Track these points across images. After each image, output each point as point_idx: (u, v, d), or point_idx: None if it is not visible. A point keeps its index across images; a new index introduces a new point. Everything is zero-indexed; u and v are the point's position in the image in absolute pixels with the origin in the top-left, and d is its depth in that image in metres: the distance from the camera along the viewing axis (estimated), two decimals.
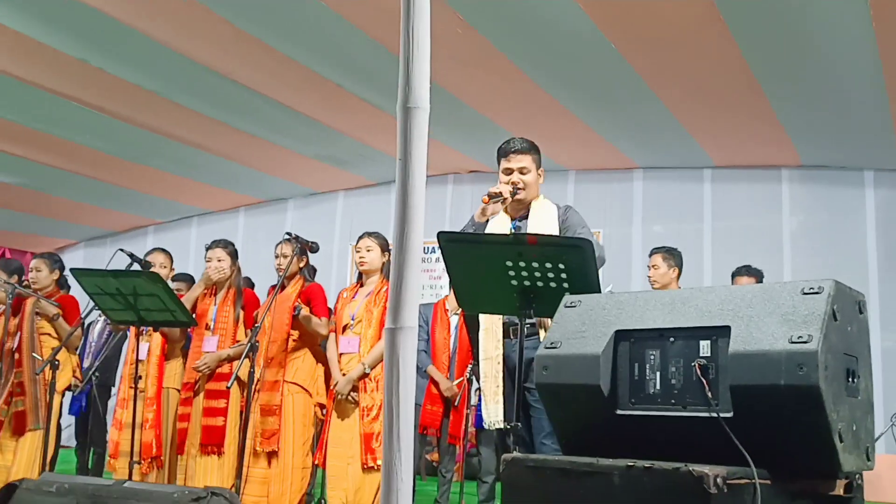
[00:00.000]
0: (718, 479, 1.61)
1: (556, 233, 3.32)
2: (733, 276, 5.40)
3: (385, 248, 4.38)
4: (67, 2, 5.03)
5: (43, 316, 4.92)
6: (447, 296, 5.57)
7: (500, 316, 3.25)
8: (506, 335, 3.29)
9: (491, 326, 3.29)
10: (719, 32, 5.08)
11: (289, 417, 4.36)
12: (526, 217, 3.42)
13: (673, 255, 5.26)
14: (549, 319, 3.09)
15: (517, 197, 3.37)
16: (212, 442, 4.30)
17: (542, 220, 3.36)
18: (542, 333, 3.20)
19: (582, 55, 5.61)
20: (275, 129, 7.38)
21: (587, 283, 2.43)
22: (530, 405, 3.20)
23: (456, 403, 5.05)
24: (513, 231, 3.36)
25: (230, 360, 4.46)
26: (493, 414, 3.24)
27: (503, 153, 3.48)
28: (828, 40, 5.15)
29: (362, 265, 4.39)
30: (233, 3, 5.11)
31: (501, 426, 3.22)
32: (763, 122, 6.56)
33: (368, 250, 4.39)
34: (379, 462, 4.02)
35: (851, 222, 7.34)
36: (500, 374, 3.24)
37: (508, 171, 3.43)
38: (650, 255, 5.35)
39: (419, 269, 1.66)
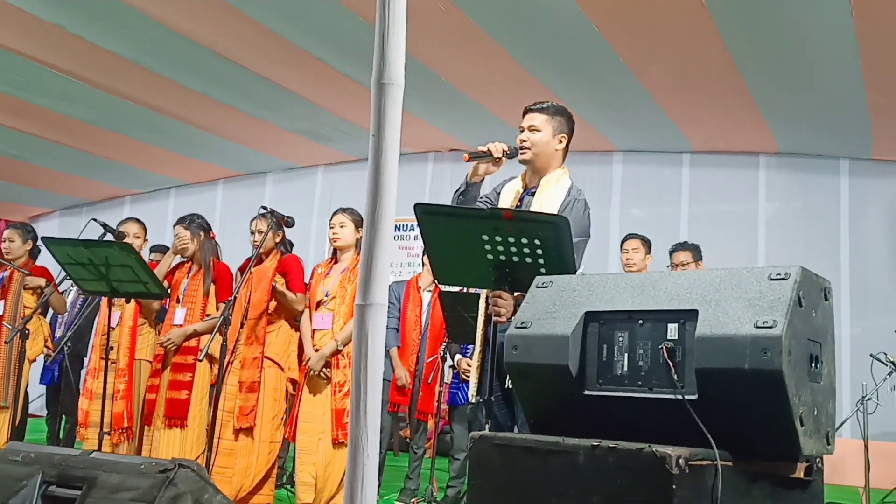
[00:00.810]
0: (681, 460, 1.64)
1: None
2: (671, 252, 5.38)
3: (359, 224, 4.35)
4: None
5: (31, 289, 4.93)
6: (420, 273, 5.56)
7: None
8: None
9: (482, 301, 3.07)
10: (702, 18, 5.09)
11: (260, 391, 4.36)
12: (533, 192, 3.11)
13: (648, 243, 5.33)
14: None
15: (522, 157, 3.08)
16: (175, 415, 4.30)
17: (546, 200, 3.04)
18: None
19: (565, 36, 5.59)
20: (255, 103, 7.31)
21: (563, 260, 2.40)
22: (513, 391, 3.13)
23: (430, 380, 5.07)
24: (517, 206, 3.11)
25: (197, 335, 4.45)
26: (472, 388, 3.12)
27: (523, 114, 3.19)
28: (808, 29, 5.18)
29: (335, 241, 4.37)
30: None
31: (475, 402, 3.11)
32: (742, 109, 6.59)
33: (342, 226, 4.37)
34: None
35: (825, 210, 7.43)
36: (479, 349, 3.12)
37: (521, 131, 3.14)
38: (628, 239, 5.36)
39: (390, 245, 1.66)
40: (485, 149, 2.99)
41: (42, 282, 4.96)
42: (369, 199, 1.66)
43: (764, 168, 7.70)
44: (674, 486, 1.62)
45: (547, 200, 3.03)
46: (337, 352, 4.17)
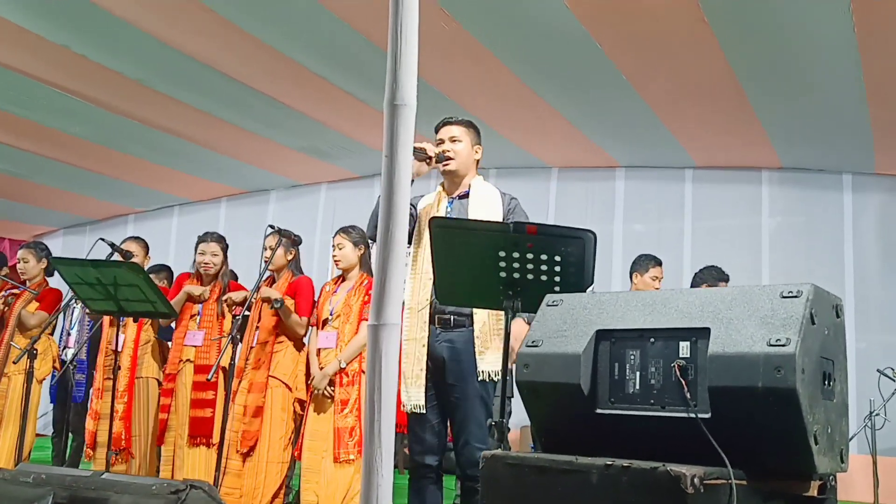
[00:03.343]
0: (695, 479, 1.63)
1: (500, 217, 3.25)
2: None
3: (358, 242, 4.37)
4: None
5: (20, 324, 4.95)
6: None
7: (428, 301, 3.18)
8: (431, 321, 3.22)
9: (416, 307, 3.23)
10: (703, 33, 5.11)
11: (267, 411, 4.35)
12: (466, 196, 3.33)
13: None
14: (485, 312, 3.12)
15: (448, 167, 3.31)
16: (201, 433, 4.30)
17: (485, 201, 3.27)
18: (475, 327, 3.15)
19: (568, 54, 5.62)
20: (258, 120, 7.34)
21: (581, 277, 2.39)
22: (455, 404, 3.17)
23: None
24: (448, 210, 3.31)
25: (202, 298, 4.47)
26: (415, 397, 3.19)
27: (435, 130, 3.42)
28: (810, 44, 5.20)
29: (336, 263, 4.40)
30: None
31: (422, 411, 3.20)
32: (744, 124, 6.61)
33: (340, 248, 4.39)
34: (350, 456, 4.03)
35: (829, 224, 7.43)
36: (424, 358, 3.19)
37: (440, 143, 3.37)
38: (655, 266, 5.22)
39: (403, 265, 1.67)
40: (420, 146, 3.18)
41: (30, 322, 4.94)
42: (382, 221, 1.66)
43: (767, 183, 7.70)
44: None
45: (486, 203, 3.27)
46: (341, 370, 4.16)
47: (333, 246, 4.41)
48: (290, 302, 4.38)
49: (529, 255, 2.40)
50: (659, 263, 5.21)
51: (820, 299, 1.83)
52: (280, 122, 7.32)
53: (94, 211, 10.32)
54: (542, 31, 5.33)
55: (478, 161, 3.44)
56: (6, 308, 4.96)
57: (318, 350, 4.27)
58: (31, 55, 5.93)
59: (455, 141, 3.35)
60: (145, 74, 6.33)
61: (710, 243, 7.61)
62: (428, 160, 3.22)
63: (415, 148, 3.10)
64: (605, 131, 7.27)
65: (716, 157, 7.60)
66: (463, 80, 6.24)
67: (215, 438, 4.28)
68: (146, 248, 5.02)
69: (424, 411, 3.21)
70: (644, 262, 5.21)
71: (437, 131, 3.42)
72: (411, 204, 3.37)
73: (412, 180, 3.11)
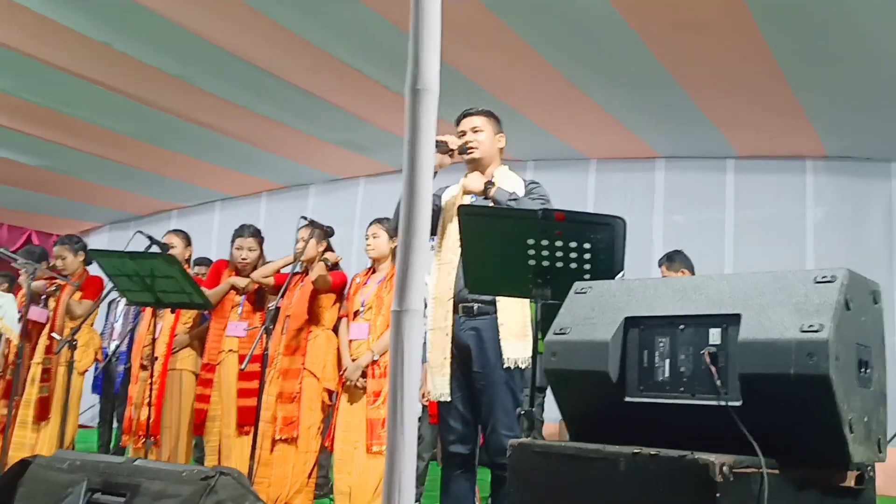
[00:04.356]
0: (724, 468, 1.60)
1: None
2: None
3: (392, 233, 4.37)
4: None
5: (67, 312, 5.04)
6: None
7: (452, 289, 3.18)
8: (455, 310, 3.21)
9: (441, 296, 3.22)
10: (743, 20, 5.01)
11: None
12: (490, 184, 3.29)
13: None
14: (508, 299, 3.09)
15: (471, 156, 3.30)
16: (248, 422, 4.34)
17: (508, 188, 3.25)
18: (499, 315, 3.13)
19: (604, 42, 5.56)
20: (296, 114, 7.39)
21: (610, 264, 2.36)
22: (481, 391, 3.16)
23: None
24: (472, 201, 3.28)
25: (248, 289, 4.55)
26: (440, 386, 3.18)
27: (456, 123, 3.42)
28: (853, 29, 5.06)
29: (369, 251, 4.40)
30: None
31: (447, 399, 3.18)
32: (787, 113, 6.47)
33: (375, 237, 4.39)
34: (383, 447, 4.03)
35: (876, 213, 7.23)
36: (449, 347, 3.18)
37: (462, 134, 3.37)
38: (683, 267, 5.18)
39: (426, 252, 1.66)
40: (441, 138, 3.15)
41: (76, 311, 5.03)
42: (404, 207, 1.65)
43: (811, 172, 7.53)
44: (717, 495, 1.58)
45: (512, 186, 3.21)
46: (373, 362, 4.17)
47: (368, 235, 4.42)
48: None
49: (559, 243, 2.37)
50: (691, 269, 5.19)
51: (856, 284, 1.78)
52: (318, 116, 7.36)
53: (137, 207, 10.49)
54: (580, 22, 5.28)
55: (501, 150, 3.44)
56: (53, 297, 5.05)
57: (350, 342, 4.28)
58: (73, 53, 6.04)
59: (477, 131, 3.35)
60: (185, 71, 6.41)
61: (752, 234, 7.48)
62: (450, 152, 3.22)
63: (437, 141, 3.09)
64: (644, 121, 7.18)
65: (758, 146, 7.45)
66: (498, 71, 6.20)
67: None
68: (186, 239, 5.08)
69: (450, 399, 3.20)
70: (679, 261, 5.17)
71: (457, 123, 3.43)
72: (435, 195, 3.38)
73: (434, 173, 3.11)
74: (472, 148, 3.30)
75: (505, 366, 3.11)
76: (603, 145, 7.84)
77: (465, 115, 3.41)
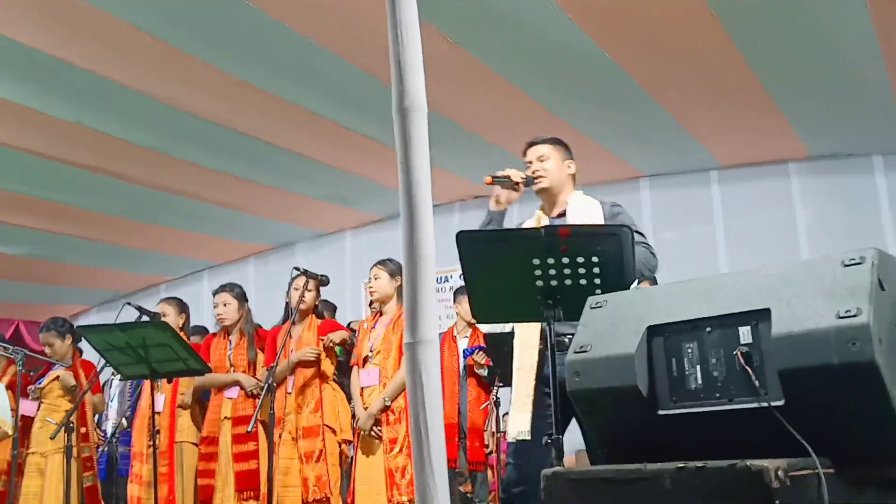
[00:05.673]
0: (780, 472, 1.49)
1: None
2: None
3: (395, 273, 4.29)
4: (55, 65, 5.00)
5: (64, 389, 4.87)
6: (455, 323, 5.47)
7: (537, 325, 3.02)
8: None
9: (525, 337, 3.08)
10: (711, 27, 4.99)
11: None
12: (563, 215, 3.21)
13: None
14: None
15: (539, 185, 3.21)
16: (248, 487, 4.18)
17: (584, 216, 3.12)
18: None
19: (575, 66, 5.53)
20: (277, 174, 7.32)
21: (621, 276, 2.26)
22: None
23: (485, 428, 4.92)
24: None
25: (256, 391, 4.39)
26: (520, 423, 2.98)
27: (523, 154, 3.35)
28: (821, 23, 5.06)
29: (372, 294, 4.34)
30: (217, 47, 5.06)
31: (527, 437, 2.97)
32: (764, 115, 6.45)
33: (376, 278, 4.34)
34: (404, 498, 3.89)
35: (865, 209, 7.20)
36: (532, 384, 3.00)
37: (528, 165, 3.29)
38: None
39: (433, 278, 1.56)
40: (504, 173, 3.09)
41: (71, 382, 4.88)
42: (405, 233, 1.56)
43: (795, 175, 7.52)
44: (777, 502, 1.46)
45: (585, 217, 3.07)
46: (386, 408, 4.04)
47: (370, 278, 4.36)
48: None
49: (565, 260, 2.27)
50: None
51: (886, 264, 1.68)
52: (298, 173, 7.29)
53: (124, 284, 10.34)
54: (547, 47, 5.25)
55: (573, 176, 3.39)
56: (34, 382, 4.91)
57: (362, 389, 4.16)
58: (43, 135, 5.96)
59: (543, 159, 3.28)
60: (157, 140, 6.34)
61: (744, 243, 7.43)
62: (515, 186, 3.13)
63: (500, 176, 3.07)
64: (625, 143, 7.15)
65: (740, 155, 7.44)
66: (476, 107, 6.17)
67: (263, 489, 4.17)
68: (180, 307, 4.96)
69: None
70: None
71: (524, 154, 3.36)
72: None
73: (504, 210, 3.16)
74: (538, 178, 3.23)
75: None
76: (585, 170, 7.74)
77: (530, 145, 3.36)
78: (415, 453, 1.47)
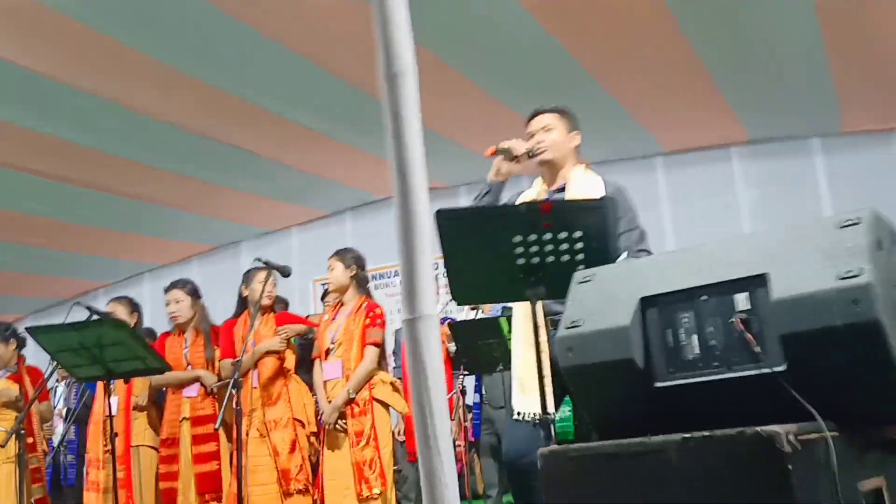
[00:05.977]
0: (790, 436, 1.46)
1: None
2: None
3: (350, 263, 4.23)
4: None
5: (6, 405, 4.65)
6: None
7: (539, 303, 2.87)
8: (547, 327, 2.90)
9: (527, 311, 2.81)
10: (658, 11, 5.02)
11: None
12: (564, 189, 3.04)
13: None
14: None
15: (542, 157, 3.03)
16: (209, 489, 4.05)
17: (584, 192, 2.96)
18: None
19: (520, 49, 5.49)
20: (219, 170, 7.12)
21: (605, 251, 2.19)
22: None
23: (451, 418, 4.85)
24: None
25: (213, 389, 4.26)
26: (532, 404, 2.79)
27: (526, 123, 3.15)
28: (765, 8, 5.13)
29: (329, 284, 4.26)
30: (152, 37, 4.87)
31: (537, 418, 2.75)
32: (708, 100, 6.53)
33: (331, 269, 4.26)
34: (375, 490, 3.82)
35: (804, 191, 7.37)
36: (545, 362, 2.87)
37: (530, 136, 3.09)
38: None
39: (430, 250, 1.48)
40: (506, 145, 2.92)
41: (13, 395, 4.66)
42: (397, 205, 1.48)
43: (737, 159, 7.67)
44: (790, 467, 1.43)
45: (588, 189, 2.94)
46: (350, 400, 3.95)
47: (328, 269, 4.27)
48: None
49: (547, 236, 2.20)
50: None
51: (881, 225, 1.67)
52: (241, 169, 7.11)
53: (61, 291, 9.96)
54: (496, 32, 5.21)
55: (577, 148, 3.17)
56: None
57: (325, 382, 4.06)
58: None
59: (548, 130, 3.07)
60: (98, 140, 6.10)
61: (690, 228, 7.53)
62: (515, 159, 2.96)
63: (502, 148, 2.91)
64: None
65: (684, 140, 7.54)
66: (429, 102, 6.07)
67: (225, 491, 4.03)
68: (131, 306, 4.76)
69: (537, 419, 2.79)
70: None
71: (527, 124, 3.15)
72: (511, 201, 3.13)
73: (503, 181, 2.99)
74: (541, 150, 3.04)
75: None
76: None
77: (535, 113, 3.15)
78: (419, 435, 1.40)
